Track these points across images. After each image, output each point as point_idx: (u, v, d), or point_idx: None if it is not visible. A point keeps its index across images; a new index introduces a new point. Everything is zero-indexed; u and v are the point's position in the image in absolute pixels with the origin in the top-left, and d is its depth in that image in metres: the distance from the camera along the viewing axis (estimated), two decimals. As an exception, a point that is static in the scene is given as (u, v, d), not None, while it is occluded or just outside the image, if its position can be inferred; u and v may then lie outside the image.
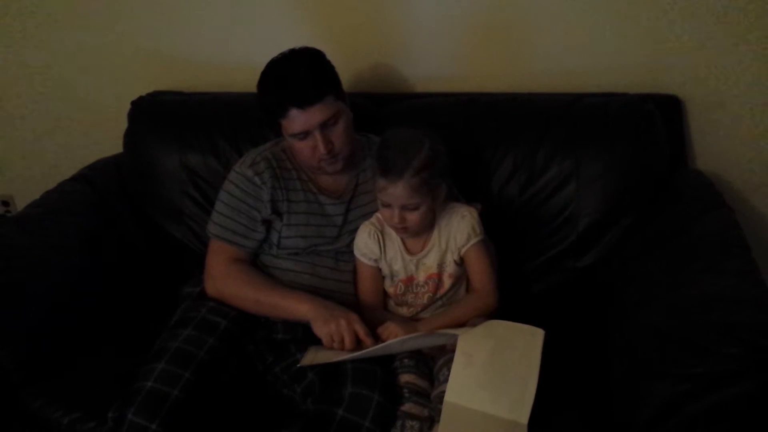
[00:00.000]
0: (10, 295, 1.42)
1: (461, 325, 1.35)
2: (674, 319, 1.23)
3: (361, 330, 1.31)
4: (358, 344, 1.31)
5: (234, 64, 1.93)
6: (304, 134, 1.39)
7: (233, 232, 1.46)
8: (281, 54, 1.43)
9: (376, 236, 1.43)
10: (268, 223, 1.47)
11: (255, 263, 1.50)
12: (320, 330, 1.33)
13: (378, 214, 1.45)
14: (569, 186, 1.63)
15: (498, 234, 1.52)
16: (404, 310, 1.47)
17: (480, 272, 1.42)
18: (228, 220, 1.47)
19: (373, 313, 1.43)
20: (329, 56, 1.46)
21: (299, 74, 1.38)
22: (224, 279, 1.44)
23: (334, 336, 1.31)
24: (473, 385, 1.19)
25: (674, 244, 1.44)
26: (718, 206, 1.52)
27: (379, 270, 1.46)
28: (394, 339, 1.28)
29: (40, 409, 1.36)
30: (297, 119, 1.38)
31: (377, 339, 1.32)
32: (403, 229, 1.38)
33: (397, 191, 1.31)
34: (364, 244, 1.44)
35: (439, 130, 1.55)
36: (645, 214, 1.60)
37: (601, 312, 1.48)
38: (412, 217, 1.35)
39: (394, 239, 1.44)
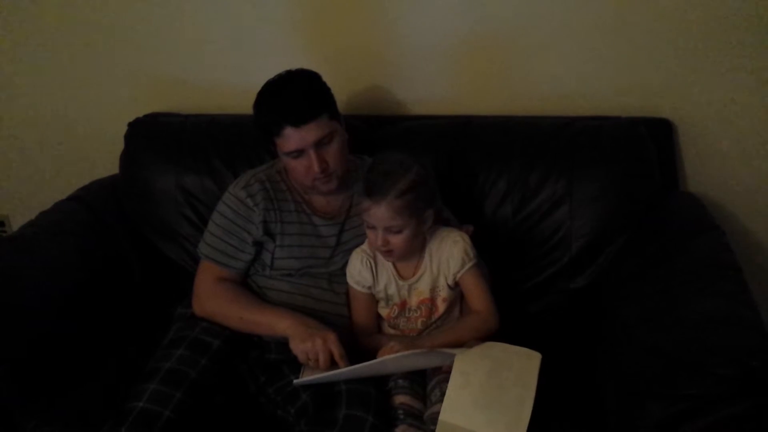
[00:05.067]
0: (5, 314, 1.42)
1: (461, 345, 1.34)
2: (667, 340, 1.23)
3: (336, 351, 1.30)
4: (334, 365, 1.30)
5: (231, 87, 1.94)
6: (299, 153, 1.40)
7: (222, 252, 1.47)
8: (278, 75, 1.45)
9: (368, 263, 1.43)
10: (259, 245, 1.48)
11: (245, 283, 1.50)
12: (296, 347, 1.32)
13: None
14: (562, 208, 1.64)
15: (492, 255, 1.52)
16: (397, 333, 1.46)
17: (479, 296, 1.42)
18: (218, 240, 1.48)
19: (368, 338, 1.43)
20: (325, 78, 1.47)
21: (294, 93, 1.40)
22: (209, 297, 1.45)
23: (310, 354, 1.30)
24: (469, 406, 1.19)
25: (666, 266, 1.44)
26: (710, 228, 1.53)
27: (373, 296, 1.46)
28: (391, 355, 1.27)
29: (33, 429, 1.35)
30: (291, 137, 1.39)
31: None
32: (387, 252, 1.38)
33: (379, 213, 1.31)
34: (357, 271, 1.44)
35: (433, 151, 1.58)
36: (637, 237, 1.61)
37: (596, 333, 1.48)
38: (396, 241, 1.35)
39: (386, 265, 1.44)
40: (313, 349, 1.30)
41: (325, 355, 1.29)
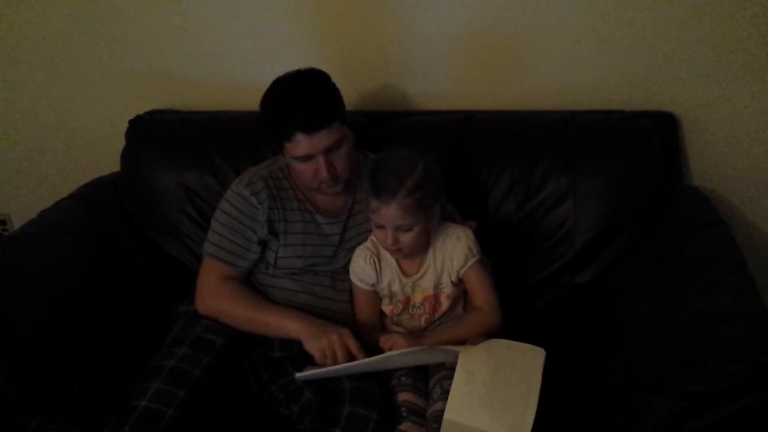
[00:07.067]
0: (7, 314, 1.41)
1: (464, 342, 1.34)
2: (673, 336, 1.23)
3: (353, 345, 1.30)
4: (351, 359, 1.30)
5: (232, 84, 1.94)
6: (308, 157, 1.39)
7: (228, 251, 1.46)
8: (288, 74, 1.42)
9: (372, 261, 1.43)
10: (263, 243, 1.47)
11: (249, 282, 1.49)
12: (312, 346, 1.32)
13: (373, 236, 1.45)
14: (566, 203, 1.63)
15: (496, 251, 1.52)
16: (400, 330, 1.46)
17: (482, 292, 1.41)
18: (223, 239, 1.47)
19: (372, 336, 1.43)
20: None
21: (307, 99, 1.37)
22: (215, 297, 1.44)
23: (327, 351, 1.30)
24: (474, 403, 1.19)
25: (671, 261, 1.44)
26: (715, 222, 1.52)
27: (376, 293, 1.46)
28: (394, 351, 1.27)
29: (36, 429, 1.35)
30: (302, 143, 1.37)
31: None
32: (397, 251, 1.38)
33: (389, 212, 1.31)
34: (361, 269, 1.44)
35: (436, 147, 1.57)
36: (642, 231, 1.60)
37: (601, 328, 1.48)
38: (406, 239, 1.35)
39: (390, 262, 1.44)
40: (330, 346, 1.29)
41: (342, 350, 1.29)
